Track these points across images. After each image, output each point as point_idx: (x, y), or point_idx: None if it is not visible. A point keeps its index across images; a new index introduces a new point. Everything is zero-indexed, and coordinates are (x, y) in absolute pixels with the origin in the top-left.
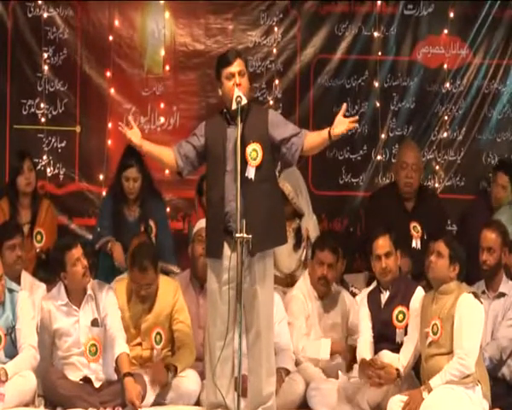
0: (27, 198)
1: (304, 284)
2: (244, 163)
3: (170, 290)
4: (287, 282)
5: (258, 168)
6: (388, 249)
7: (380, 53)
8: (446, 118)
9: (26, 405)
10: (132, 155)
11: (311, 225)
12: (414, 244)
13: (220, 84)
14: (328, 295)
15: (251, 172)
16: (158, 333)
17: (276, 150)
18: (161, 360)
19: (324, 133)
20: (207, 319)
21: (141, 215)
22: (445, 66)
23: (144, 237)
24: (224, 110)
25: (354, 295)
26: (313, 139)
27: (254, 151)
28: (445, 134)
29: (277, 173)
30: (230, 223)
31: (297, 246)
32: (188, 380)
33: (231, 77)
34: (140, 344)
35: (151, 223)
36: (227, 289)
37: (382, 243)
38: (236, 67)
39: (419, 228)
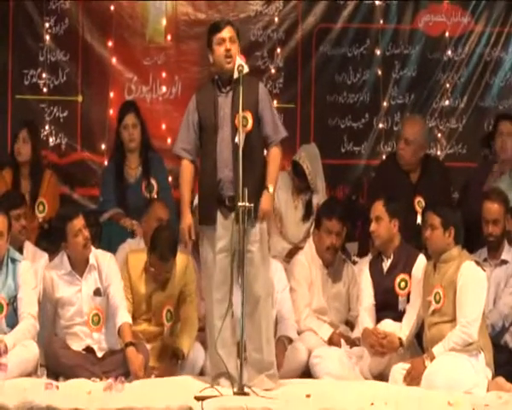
0: (26, 168)
1: (309, 250)
2: (235, 131)
3: (182, 267)
4: (291, 254)
5: (247, 136)
6: (378, 214)
7: (381, 21)
8: (448, 86)
9: (29, 375)
10: (130, 105)
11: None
12: (419, 220)
13: (211, 51)
14: (332, 265)
15: (240, 139)
16: (169, 311)
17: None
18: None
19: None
20: (204, 289)
21: (142, 173)
22: (447, 34)
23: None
24: (216, 77)
25: (355, 263)
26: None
27: (245, 118)
28: (447, 102)
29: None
30: (223, 190)
31: (306, 218)
32: (191, 350)
33: (222, 42)
34: (149, 320)
35: (153, 181)
36: (222, 258)
37: (374, 207)
38: (227, 33)
39: (423, 203)
